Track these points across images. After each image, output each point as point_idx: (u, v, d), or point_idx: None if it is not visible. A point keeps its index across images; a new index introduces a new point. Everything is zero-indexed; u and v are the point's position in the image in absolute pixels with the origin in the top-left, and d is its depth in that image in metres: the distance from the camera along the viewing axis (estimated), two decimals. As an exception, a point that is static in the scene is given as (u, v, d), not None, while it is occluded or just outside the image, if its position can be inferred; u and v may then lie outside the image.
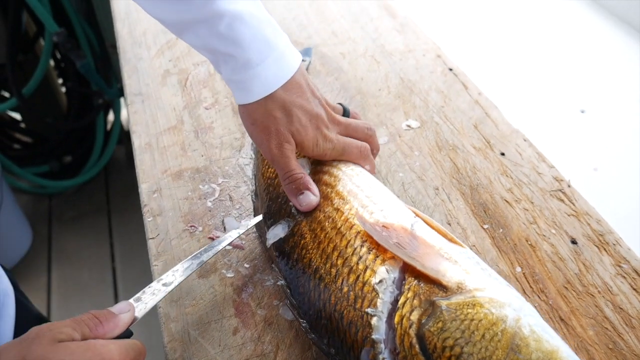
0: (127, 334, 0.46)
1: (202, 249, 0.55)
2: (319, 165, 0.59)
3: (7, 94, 1.88)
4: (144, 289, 0.50)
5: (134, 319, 0.47)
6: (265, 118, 0.55)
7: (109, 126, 2.01)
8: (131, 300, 0.49)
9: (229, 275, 0.58)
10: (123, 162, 2.15)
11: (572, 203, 0.64)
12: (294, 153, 0.56)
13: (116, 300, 1.74)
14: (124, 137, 2.07)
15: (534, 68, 0.92)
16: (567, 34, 1.00)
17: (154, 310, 0.57)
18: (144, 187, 0.69)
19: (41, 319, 0.73)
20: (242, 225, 0.60)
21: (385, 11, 0.98)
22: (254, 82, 0.53)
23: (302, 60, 0.81)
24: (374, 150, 0.62)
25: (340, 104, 0.64)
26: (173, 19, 0.53)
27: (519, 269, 0.58)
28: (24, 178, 1.92)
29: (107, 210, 2.02)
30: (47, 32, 1.60)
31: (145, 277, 1.78)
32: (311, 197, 0.55)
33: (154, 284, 0.51)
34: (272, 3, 1.01)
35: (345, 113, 0.64)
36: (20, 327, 0.64)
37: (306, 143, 0.56)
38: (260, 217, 0.60)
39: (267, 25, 0.54)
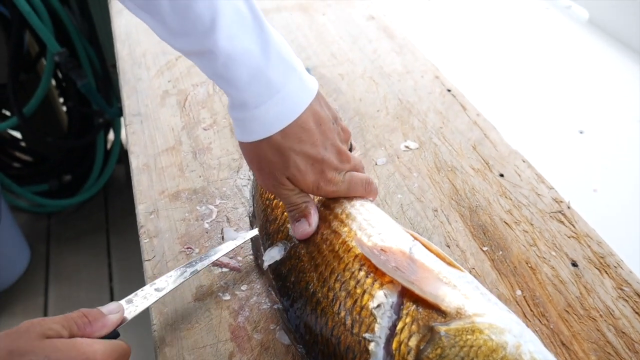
0: (114, 335, 0.48)
1: (197, 257, 0.55)
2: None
3: (8, 113, 1.89)
4: (136, 292, 0.52)
5: (123, 320, 0.49)
6: (259, 160, 0.52)
7: (109, 145, 2.01)
8: (122, 302, 0.50)
9: (225, 298, 0.57)
10: (122, 181, 2.15)
11: (572, 225, 0.64)
12: (293, 190, 0.54)
13: (114, 321, 1.72)
14: (124, 156, 2.07)
15: (531, 89, 0.93)
16: (565, 55, 1.00)
17: (148, 333, 0.57)
18: (140, 208, 0.68)
19: None
20: (239, 236, 0.61)
21: (384, 33, 0.99)
22: (251, 123, 0.50)
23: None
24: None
25: None
26: (176, 46, 0.51)
27: (519, 292, 0.57)
28: (23, 197, 1.91)
29: (106, 229, 2.01)
30: (49, 52, 1.61)
31: (143, 297, 1.77)
32: (305, 225, 0.54)
33: (146, 288, 0.52)
34: (271, 24, 1.01)
35: None
36: None
37: (304, 188, 0.54)
38: (257, 231, 0.60)
39: (274, 64, 0.49)
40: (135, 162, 0.74)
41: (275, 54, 0.49)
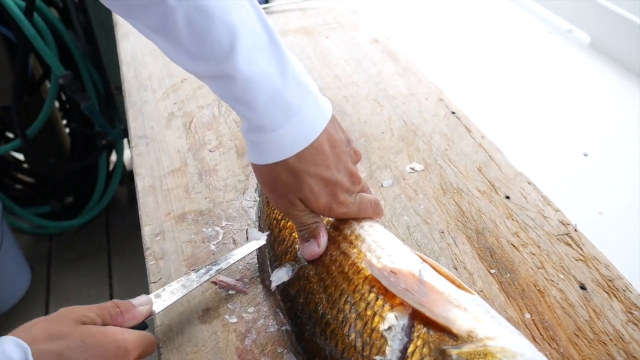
0: (142, 326, 0.52)
1: (223, 257, 0.59)
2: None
3: (10, 135, 1.90)
4: (164, 287, 0.55)
5: (151, 313, 0.53)
6: (273, 181, 0.52)
7: (111, 167, 2.02)
8: (151, 295, 0.54)
9: (232, 320, 0.57)
10: (124, 203, 2.15)
11: (580, 247, 0.64)
12: (304, 211, 0.54)
13: (113, 344, 1.70)
14: (126, 177, 2.07)
15: (534, 112, 0.93)
16: (567, 78, 1.01)
17: (153, 356, 0.56)
18: (146, 230, 0.68)
19: None
20: (263, 236, 0.62)
21: (388, 56, 1.00)
22: (267, 146, 0.50)
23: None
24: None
25: None
26: (193, 70, 0.50)
27: (528, 316, 0.56)
28: (25, 218, 1.91)
29: (108, 250, 2.00)
30: (54, 75, 1.63)
31: (143, 320, 1.75)
32: (314, 246, 0.54)
33: (174, 284, 0.56)
34: (277, 47, 1.03)
35: None
36: None
37: (316, 209, 0.54)
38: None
39: (292, 87, 0.48)
40: (141, 183, 0.75)
41: (292, 76, 0.48)
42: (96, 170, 1.95)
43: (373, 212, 0.57)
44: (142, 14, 0.47)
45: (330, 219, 0.58)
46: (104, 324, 0.48)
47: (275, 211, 0.62)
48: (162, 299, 0.54)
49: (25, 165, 2.01)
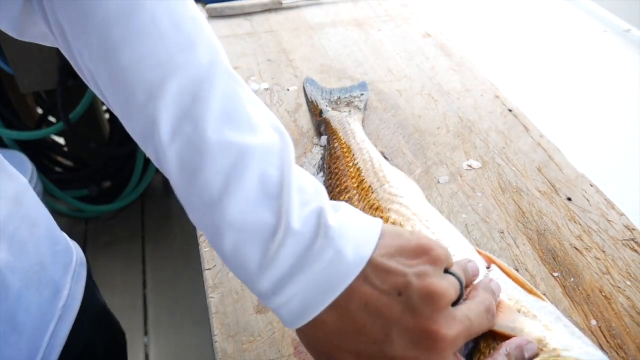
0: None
1: None
2: (384, 202, 0.58)
3: (52, 119, 1.93)
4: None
5: None
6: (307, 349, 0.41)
7: (148, 154, 2.04)
8: None
9: (287, 311, 0.56)
10: (160, 190, 2.17)
11: (647, 254, 0.61)
12: None
13: (145, 327, 1.72)
14: (163, 165, 2.08)
15: (592, 112, 0.90)
16: (625, 78, 0.98)
17: (208, 345, 0.56)
18: (200, 217, 0.68)
19: (104, 311, 0.71)
20: None
21: (441, 50, 0.98)
22: (280, 312, 0.38)
23: (361, 94, 0.79)
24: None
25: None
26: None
27: (594, 322, 0.54)
28: (63, 201, 1.94)
29: (142, 236, 2.02)
30: (98, 60, 1.64)
31: (176, 306, 1.77)
32: None
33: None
34: (327, 38, 1.02)
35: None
36: (84, 310, 0.60)
37: None
38: None
39: (275, 265, 0.36)
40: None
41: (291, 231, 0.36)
42: (134, 157, 1.97)
43: (488, 323, 0.42)
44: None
45: (391, 215, 0.56)
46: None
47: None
48: None
49: (65, 149, 2.05)
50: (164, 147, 0.36)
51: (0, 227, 0.49)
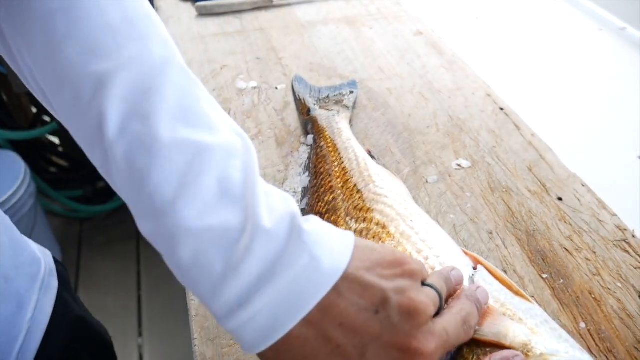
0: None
1: None
2: (369, 202, 0.56)
3: (47, 118, 1.92)
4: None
5: None
6: None
7: (143, 154, 2.02)
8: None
9: (269, 314, 0.55)
10: (155, 190, 2.15)
11: (638, 255, 0.60)
12: None
13: (140, 329, 1.71)
14: (158, 165, 2.07)
15: (585, 111, 0.89)
16: (620, 77, 0.96)
17: (188, 348, 0.55)
18: (183, 217, 0.66)
19: (82, 320, 0.64)
20: None
21: (433, 49, 0.97)
22: (237, 335, 0.34)
23: (351, 92, 0.78)
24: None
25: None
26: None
27: (583, 325, 0.53)
28: (57, 201, 1.93)
29: (137, 237, 2.01)
30: (91, 60, 1.63)
31: (170, 307, 1.75)
32: None
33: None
34: (318, 36, 1.00)
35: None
36: (56, 322, 0.56)
37: None
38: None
39: (234, 278, 0.33)
40: (178, 169, 0.73)
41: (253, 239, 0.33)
42: (129, 156, 1.95)
43: (465, 335, 0.40)
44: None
45: (375, 216, 0.55)
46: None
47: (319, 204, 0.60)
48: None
49: (60, 149, 2.03)
50: (111, 146, 0.33)
51: None
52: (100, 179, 2.00)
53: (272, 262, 0.33)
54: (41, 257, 0.58)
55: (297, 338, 0.33)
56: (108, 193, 2.03)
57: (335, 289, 0.33)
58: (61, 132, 1.84)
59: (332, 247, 0.34)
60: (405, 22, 1.05)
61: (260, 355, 0.34)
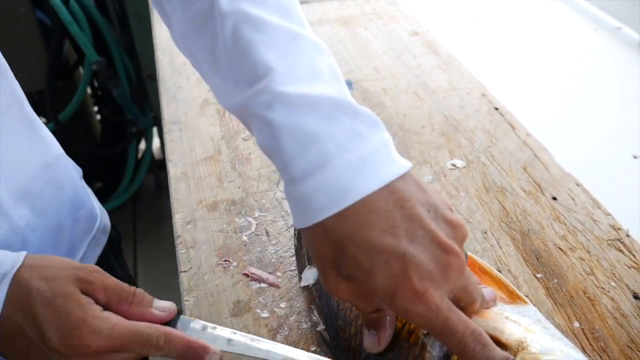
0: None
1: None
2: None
3: (43, 119, 1.91)
4: (214, 325, 0.43)
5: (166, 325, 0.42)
6: (313, 251, 0.39)
7: (140, 155, 2.02)
8: (185, 316, 0.43)
9: (263, 315, 0.55)
10: (152, 191, 2.15)
11: (632, 254, 0.60)
12: (357, 294, 0.39)
13: (137, 331, 1.71)
14: (154, 166, 2.07)
15: (580, 110, 0.89)
16: (615, 77, 0.96)
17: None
18: (178, 218, 0.66)
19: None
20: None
21: (428, 49, 0.97)
22: (300, 204, 0.38)
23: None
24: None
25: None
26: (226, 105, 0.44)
27: (577, 324, 0.53)
28: (53, 203, 1.92)
29: (133, 238, 2.01)
30: (87, 61, 1.63)
31: (167, 309, 1.75)
32: (373, 341, 0.42)
33: (219, 329, 0.43)
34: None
35: None
36: None
37: (376, 291, 0.37)
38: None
39: (321, 140, 0.36)
40: (173, 170, 0.73)
41: (344, 111, 0.38)
42: (125, 157, 1.95)
43: (465, 350, 0.37)
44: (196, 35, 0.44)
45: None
46: (106, 303, 0.40)
47: None
48: (192, 329, 0.43)
49: (56, 150, 2.03)
50: (222, 20, 0.39)
51: (26, 187, 0.53)
52: (97, 179, 2.00)
53: (354, 134, 0.37)
54: (99, 215, 0.66)
55: (365, 207, 0.36)
56: (104, 194, 2.02)
57: (402, 177, 0.37)
58: (56, 132, 1.83)
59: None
60: (401, 22, 1.06)
61: (318, 224, 0.37)
